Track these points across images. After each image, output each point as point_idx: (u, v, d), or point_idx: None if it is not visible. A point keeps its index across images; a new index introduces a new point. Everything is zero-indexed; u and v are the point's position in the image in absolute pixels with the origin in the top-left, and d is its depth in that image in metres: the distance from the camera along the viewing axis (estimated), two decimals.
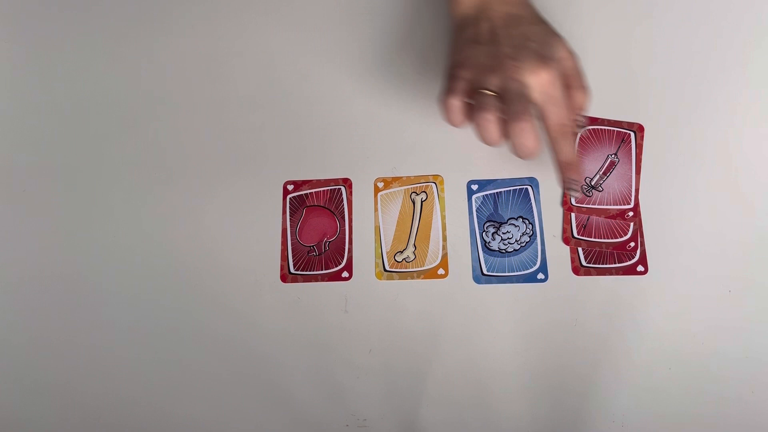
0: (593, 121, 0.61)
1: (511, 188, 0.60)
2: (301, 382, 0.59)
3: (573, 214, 0.59)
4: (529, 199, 0.60)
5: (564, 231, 0.59)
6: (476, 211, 0.60)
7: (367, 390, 0.59)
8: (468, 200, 0.60)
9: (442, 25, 0.64)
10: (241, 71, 0.64)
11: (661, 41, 0.62)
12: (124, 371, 0.60)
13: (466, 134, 0.62)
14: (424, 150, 0.62)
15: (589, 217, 0.59)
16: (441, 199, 0.61)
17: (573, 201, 0.59)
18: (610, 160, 0.60)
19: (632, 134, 0.60)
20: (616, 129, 0.61)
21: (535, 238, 0.59)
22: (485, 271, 0.59)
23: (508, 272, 0.59)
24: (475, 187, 0.61)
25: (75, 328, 0.61)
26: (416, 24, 0.65)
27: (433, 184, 0.61)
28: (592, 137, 0.60)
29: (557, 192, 0.60)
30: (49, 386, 0.61)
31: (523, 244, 0.59)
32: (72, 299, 0.61)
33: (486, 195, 0.60)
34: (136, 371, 0.60)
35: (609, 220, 0.59)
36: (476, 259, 0.59)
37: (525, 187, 0.60)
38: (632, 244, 0.59)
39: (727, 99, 0.61)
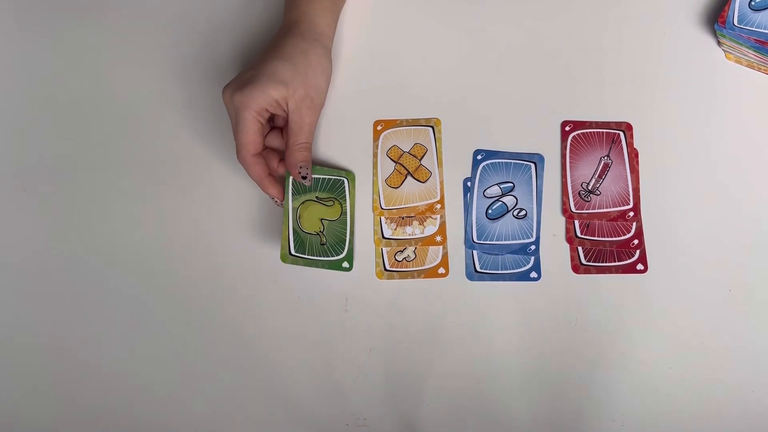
0: (581, 125, 0.61)
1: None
2: (302, 381, 0.59)
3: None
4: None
5: (567, 231, 0.59)
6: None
7: (367, 390, 0.59)
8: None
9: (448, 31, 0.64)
10: (239, 69, 0.64)
11: (639, 39, 0.62)
12: (123, 370, 0.60)
13: (466, 134, 0.62)
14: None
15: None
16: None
17: (573, 207, 0.59)
18: (603, 162, 0.60)
19: (621, 134, 0.60)
20: (604, 130, 0.61)
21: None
22: (478, 269, 0.59)
23: (501, 270, 0.59)
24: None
25: (74, 328, 0.60)
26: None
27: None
28: (583, 141, 0.60)
29: (557, 194, 0.60)
30: (49, 385, 0.60)
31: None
32: (71, 298, 0.61)
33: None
34: (136, 370, 0.60)
35: (611, 222, 0.59)
36: (470, 256, 0.59)
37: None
38: (636, 241, 0.59)
39: (716, 93, 0.61)
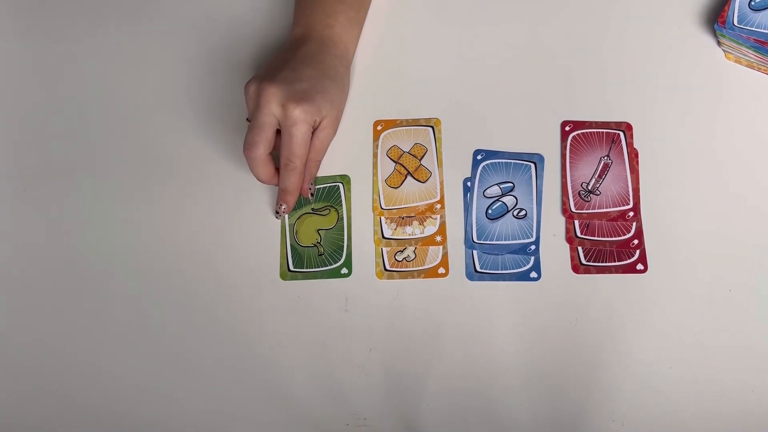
0: (581, 125, 0.61)
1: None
2: (302, 381, 0.59)
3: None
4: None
5: (567, 231, 0.59)
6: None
7: (367, 389, 0.59)
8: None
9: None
10: (241, 69, 0.64)
11: (639, 38, 0.62)
12: (123, 370, 0.60)
13: (466, 134, 0.62)
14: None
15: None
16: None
17: (573, 207, 0.59)
18: (603, 162, 0.60)
19: (621, 134, 0.60)
20: (604, 130, 0.61)
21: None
22: (478, 269, 0.59)
23: (501, 270, 0.59)
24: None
25: (74, 328, 0.60)
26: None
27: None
28: (583, 141, 0.60)
29: (557, 194, 0.60)
30: (48, 386, 0.60)
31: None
32: (71, 300, 0.61)
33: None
34: (136, 370, 0.60)
35: (611, 222, 0.59)
36: (470, 256, 0.59)
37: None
38: (636, 241, 0.59)
39: (716, 94, 0.61)
